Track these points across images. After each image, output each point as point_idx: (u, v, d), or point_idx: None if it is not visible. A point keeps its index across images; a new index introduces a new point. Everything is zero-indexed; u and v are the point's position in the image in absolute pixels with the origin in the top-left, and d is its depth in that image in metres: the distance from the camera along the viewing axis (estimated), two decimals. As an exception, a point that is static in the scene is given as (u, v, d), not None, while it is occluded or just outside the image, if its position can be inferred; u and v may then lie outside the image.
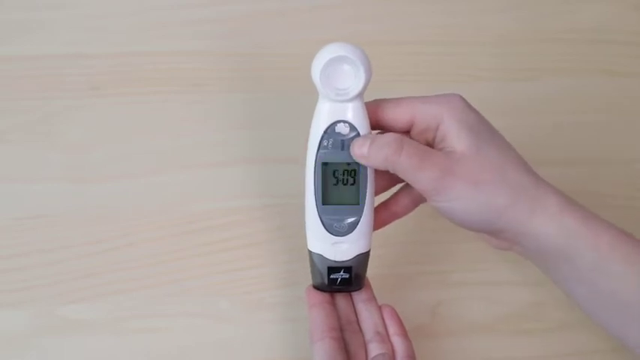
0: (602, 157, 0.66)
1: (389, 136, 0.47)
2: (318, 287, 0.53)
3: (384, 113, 0.49)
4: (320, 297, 0.52)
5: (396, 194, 0.53)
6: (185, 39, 0.69)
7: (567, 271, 0.48)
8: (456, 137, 0.47)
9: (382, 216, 0.52)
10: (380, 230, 0.53)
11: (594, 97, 0.69)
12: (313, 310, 0.52)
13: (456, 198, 0.47)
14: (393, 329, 0.51)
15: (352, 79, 0.46)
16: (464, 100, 0.49)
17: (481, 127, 0.48)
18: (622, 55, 0.72)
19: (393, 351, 0.51)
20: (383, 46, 0.70)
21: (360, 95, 0.47)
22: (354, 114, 0.48)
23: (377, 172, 0.50)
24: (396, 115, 0.49)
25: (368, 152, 0.47)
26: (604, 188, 0.65)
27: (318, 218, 0.50)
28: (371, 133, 0.48)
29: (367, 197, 0.49)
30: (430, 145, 0.49)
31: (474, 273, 0.60)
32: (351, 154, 0.48)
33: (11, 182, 0.62)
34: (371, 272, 0.53)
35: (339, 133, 0.48)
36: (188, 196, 0.62)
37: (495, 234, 0.49)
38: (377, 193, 0.51)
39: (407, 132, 0.49)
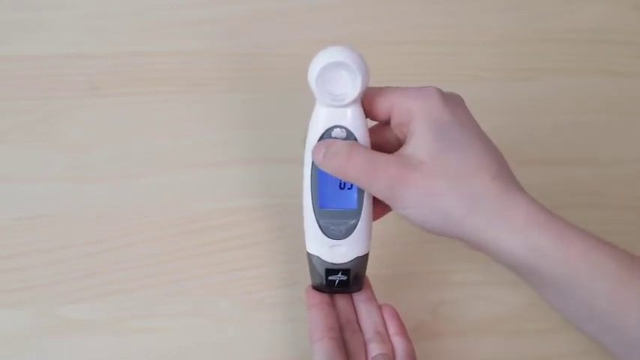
0: (602, 157, 0.66)
1: (338, 146, 0.46)
2: (316, 288, 0.53)
3: (367, 103, 0.48)
4: (319, 297, 0.52)
5: None
6: (185, 39, 0.69)
7: (536, 283, 0.47)
8: (420, 140, 0.46)
9: (377, 208, 0.51)
10: (380, 230, 0.52)
11: (594, 97, 0.69)
12: (312, 311, 0.52)
13: (411, 206, 0.46)
14: (393, 329, 0.51)
15: (349, 84, 0.46)
16: (440, 94, 0.47)
17: (451, 129, 0.46)
18: (622, 55, 0.72)
19: (393, 351, 0.50)
20: (383, 46, 0.70)
21: (357, 100, 0.47)
22: (350, 119, 0.47)
23: None
24: (377, 107, 0.48)
25: (322, 160, 0.47)
26: (604, 188, 0.65)
27: (316, 222, 0.49)
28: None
29: (365, 201, 0.49)
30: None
31: (474, 273, 0.60)
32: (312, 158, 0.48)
33: (11, 182, 0.62)
34: (371, 272, 0.53)
35: (335, 138, 0.47)
36: (188, 196, 0.62)
37: (462, 242, 0.48)
38: None
39: (388, 123, 0.49)
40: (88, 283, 0.58)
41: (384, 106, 0.48)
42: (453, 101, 0.48)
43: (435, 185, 0.45)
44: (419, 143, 0.46)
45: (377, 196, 0.47)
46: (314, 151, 0.47)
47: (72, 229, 0.60)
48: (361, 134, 0.47)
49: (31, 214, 0.61)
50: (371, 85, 0.47)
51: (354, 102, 0.46)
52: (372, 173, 0.46)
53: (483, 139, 0.47)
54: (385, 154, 0.47)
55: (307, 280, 0.53)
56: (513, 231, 0.44)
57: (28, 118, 0.65)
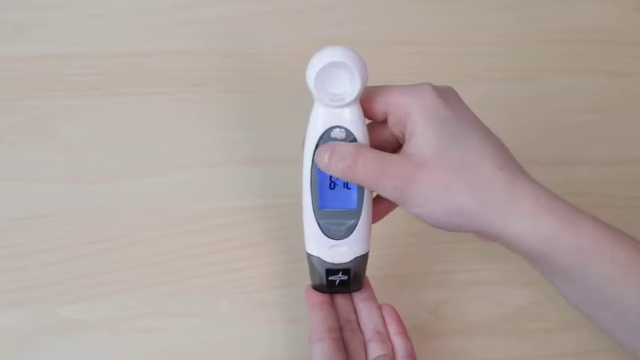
0: (602, 157, 0.66)
1: (345, 149, 0.46)
2: (316, 288, 0.53)
3: (364, 103, 0.48)
4: (319, 297, 0.52)
5: None
6: (185, 39, 0.69)
7: (550, 270, 0.47)
8: (422, 136, 0.46)
9: (380, 206, 0.51)
10: (381, 230, 0.52)
11: (594, 97, 0.69)
12: (312, 311, 0.52)
13: (422, 204, 0.45)
14: (393, 328, 0.51)
15: (348, 84, 0.45)
16: (434, 90, 0.47)
17: (450, 123, 0.46)
18: (622, 55, 0.72)
19: (393, 350, 0.50)
20: (383, 46, 0.70)
21: (355, 100, 0.47)
22: (350, 119, 0.47)
23: None
24: (374, 106, 0.48)
25: (328, 163, 0.46)
26: (604, 188, 0.65)
27: (316, 222, 0.49)
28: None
29: (365, 200, 0.49)
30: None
31: (474, 273, 0.60)
32: (315, 162, 0.47)
33: (11, 182, 0.62)
34: (372, 272, 0.53)
35: (335, 139, 0.47)
36: (188, 196, 0.62)
37: (475, 234, 0.48)
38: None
39: (384, 122, 0.48)
40: (88, 283, 0.58)
41: (380, 105, 0.48)
42: (447, 94, 0.48)
43: (444, 180, 0.45)
44: (421, 140, 0.46)
45: (386, 196, 0.47)
46: (318, 156, 0.47)
47: (71, 229, 0.60)
48: (361, 134, 0.47)
49: (30, 214, 0.60)
50: (371, 84, 0.47)
51: (353, 102, 0.46)
52: (381, 174, 0.45)
53: (483, 130, 0.47)
54: (391, 154, 0.47)
55: (307, 280, 0.53)
56: (525, 220, 0.45)
57: (28, 118, 0.65)
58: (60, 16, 0.70)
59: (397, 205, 0.51)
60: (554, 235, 0.44)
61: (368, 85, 0.47)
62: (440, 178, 0.45)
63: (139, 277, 0.58)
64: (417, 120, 0.46)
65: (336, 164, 0.46)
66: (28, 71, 0.67)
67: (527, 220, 0.45)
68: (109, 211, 0.61)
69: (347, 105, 0.46)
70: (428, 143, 0.45)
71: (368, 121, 0.49)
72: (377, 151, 0.47)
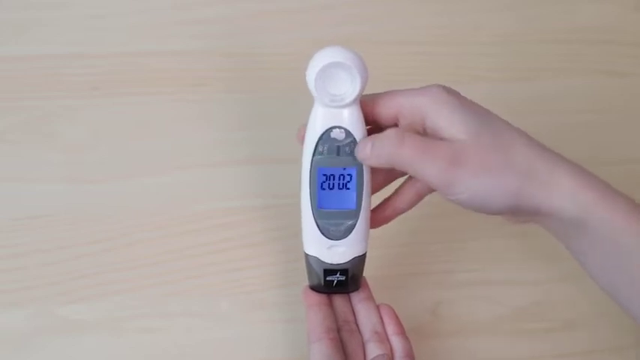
0: (603, 157, 0.66)
1: (389, 131, 0.47)
2: (314, 288, 0.53)
3: (369, 109, 0.48)
4: (317, 298, 0.52)
5: (399, 189, 0.51)
6: (185, 39, 0.69)
7: (583, 242, 0.47)
8: (450, 125, 0.46)
9: (386, 212, 0.51)
10: (380, 230, 0.52)
11: (594, 97, 0.69)
12: (310, 311, 0.52)
13: (468, 188, 0.46)
14: (391, 328, 0.51)
15: (348, 85, 0.46)
16: (445, 88, 0.48)
17: (471, 111, 0.47)
18: (622, 55, 0.72)
19: (392, 351, 0.50)
20: (383, 46, 0.70)
21: (355, 101, 0.47)
22: (349, 120, 0.47)
23: (373, 170, 0.49)
24: (381, 110, 0.48)
25: (370, 152, 0.47)
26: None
27: (314, 222, 0.50)
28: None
29: (363, 201, 0.49)
30: None
31: (474, 273, 0.60)
32: (357, 157, 0.47)
33: (11, 182, 0.62)
34: (371, 272, 0.53)
35: (334, 139, 0.47)
36: (188, 196, 0.62)
37: (513, 214, 0.48)
38: (373, 191, 0.51)
39: (394, 126, 0.49)
40: (88, 283, 0.58)
41: (389, 108, 0.48)
42: (456, 93, 0.48)
43: (488, 161, 0.46)
44: (451, 128, 0.46)
45: (429, 180, 0.46)
46: (359, 150, 0.47)
47: (71, 229, 0.60)
48: (360, 135, 0.47)
49: (30, 214, 0.60)
50: (368, 85, 0.47)
51: (352, 102, 0.47)
52: (427, 155, 0.46)
53: (499, 118, 0.48)
54: (433, 138, 0.47)
55: (307, 280, 0.53)
56: (564, 194, 0.46)
57: (28, 118, 0.65)
58: (60, 16, 0.70)
59: (403, 212, 0.51)
60: (590, 206, 0.45)
61: (372, 89, 0.47)
62: (482, 160, 0.46)
63: (139, 277, 0.58)
64: (438, 114, 0.46)
65: (381, 148, 0.46)
66: (28, 71, 0.67)
67: (566, 193, 0.46)
68: (109, 211, 0.61)
69: (347, 105, 0.47)
70: (460, 129, 0.46)
71: (368, 127, 0.49)
72: (419, 134, 0.47)
